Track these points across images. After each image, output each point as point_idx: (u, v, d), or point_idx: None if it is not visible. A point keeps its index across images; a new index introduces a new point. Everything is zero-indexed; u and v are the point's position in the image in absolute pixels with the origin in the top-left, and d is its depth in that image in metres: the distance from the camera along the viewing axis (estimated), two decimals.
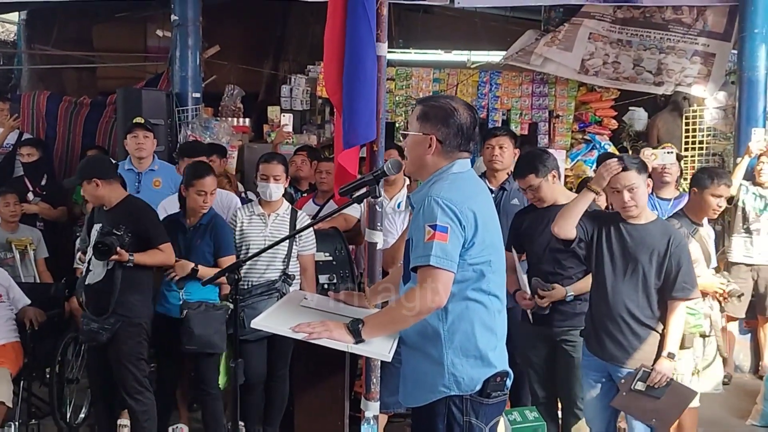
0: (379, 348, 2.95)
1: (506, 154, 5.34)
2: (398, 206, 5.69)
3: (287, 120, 7.81)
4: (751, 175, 6.91)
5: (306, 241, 5.27)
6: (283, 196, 5.39)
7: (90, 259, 4.85)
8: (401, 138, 2.95)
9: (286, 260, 5.19)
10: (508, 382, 3.10)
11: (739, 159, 7.19)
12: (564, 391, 4.81)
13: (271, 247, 4.31)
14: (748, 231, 6.79)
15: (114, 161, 5.93)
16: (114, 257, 4.65)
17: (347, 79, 3.88)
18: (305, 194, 6.71)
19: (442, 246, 2.86)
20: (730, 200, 6.83)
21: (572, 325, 4.65)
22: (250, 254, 5.05)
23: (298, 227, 5.25)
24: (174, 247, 4.98)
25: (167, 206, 5.62)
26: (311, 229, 5.35)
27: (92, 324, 4.81)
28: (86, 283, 4.86)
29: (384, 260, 4.35)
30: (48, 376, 5.52)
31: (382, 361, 3.68)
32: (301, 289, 5.20)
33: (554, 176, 4.72)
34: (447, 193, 2.93)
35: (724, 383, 5.85)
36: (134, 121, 6.43)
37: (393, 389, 4.32)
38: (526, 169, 4.71)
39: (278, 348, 5.16)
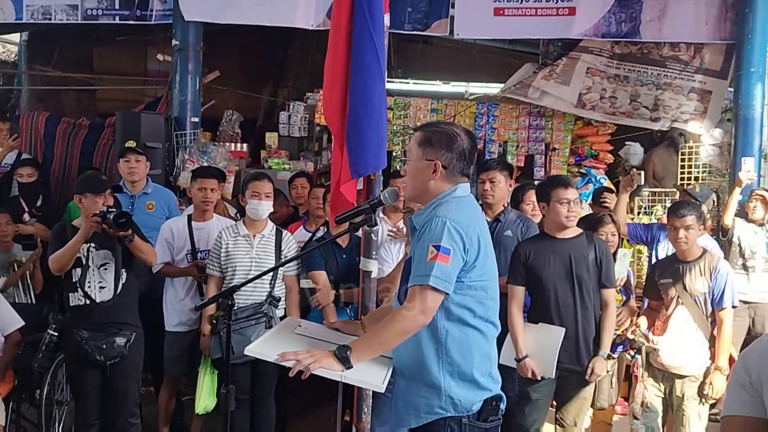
0: (372, 378, 2.94)
1: (497, 188, 5.33)
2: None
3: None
4: (744, 212, 6.91)
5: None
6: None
7: (85, 277, 4.84)
8: (402, 165, 2.96)
9: (272, 282, 5.19)
10: (502, 406, 3.13)
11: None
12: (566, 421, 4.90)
13: (266, 273, 4.32)
14: (744, 267, 6.77)
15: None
16: (128, 232, 4.76)
17: (354, 109, 3.88)
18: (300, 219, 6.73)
19: (442, 267, 2.88)
20: (725, 234, 6.85)
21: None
22: (236, 276, 5.11)
23: (283, 248, 5.28)
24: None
25: (173, 225, 5.70)
26: (296, 248, 5.41)
27: (114, 339, 4.86)
28: (98, 300, 4.85)
29: (379, 289, 4.36)
30: (37, 397, 5.48)
31: (373, 390, 3.67)
32: (285, 309, 5.26)
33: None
34: (454, 214, 2.97)
35: (714, 420, 5.82)
36: (126, 144, 6.44)
37: (384, 418, 4.31)
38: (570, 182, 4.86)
39: (261, 374, 5.12)
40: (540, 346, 4.64)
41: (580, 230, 4.87)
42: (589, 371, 4.71)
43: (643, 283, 5.52)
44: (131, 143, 6.46)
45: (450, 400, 3.01)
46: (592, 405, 4.91)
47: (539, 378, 4.66)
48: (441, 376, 3.00)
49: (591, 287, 4.73)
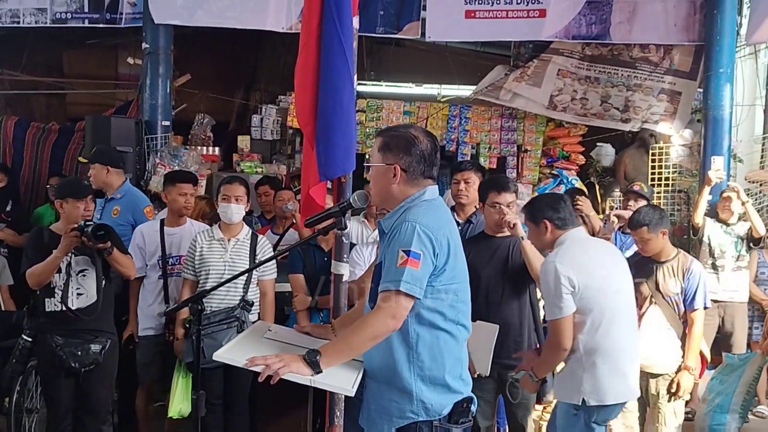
0: (342, 382, 2.93)
1: (472, 189, 5.34)
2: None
3: None
4: (714, 212, 6.97)
5: (266, 265, 5.25)
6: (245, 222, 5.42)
7: (65, 283, 4.81)
8: (366, 170, 3.00)
9: (246, 286, 5.17)
10: (473, 408, 3.14)
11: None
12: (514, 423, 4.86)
13: (237, 276, 4.31)
14: (714, 267, 6.81)
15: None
16: (107, 244, 4.72)
17: (323, 112, 3.88)
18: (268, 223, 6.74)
19: (412, 272, 2.88)
20: (696, 233, 6.90)
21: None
22: (210, 280, 5.10)
23: (258, 252, 5.25)
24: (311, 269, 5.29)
25: (144, 230, 5.65)
26: (271, 253, 5.37)
27: (89, 346, 4.83)
28: (75, 307, 4.81)
29: (350, 292, 4.35)
30: (6, 405, 5.42)
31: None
32: (259, 314, 5.23)
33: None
34: (424, 218, 2.97)
35: (687, 419, 5.86)
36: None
37: (357, 421, 4.31)
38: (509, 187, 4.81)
39: (235, 379, 5.09)
40: (475, 343, 4.62)
41: None
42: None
43: None
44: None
45: (422, 405, 3.01)
46: (539, 401, 4.89)
47: (475, 375, 4.64)
48: (412, 381, 3.00)
49: (528, 284, 4.73)
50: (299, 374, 2.86)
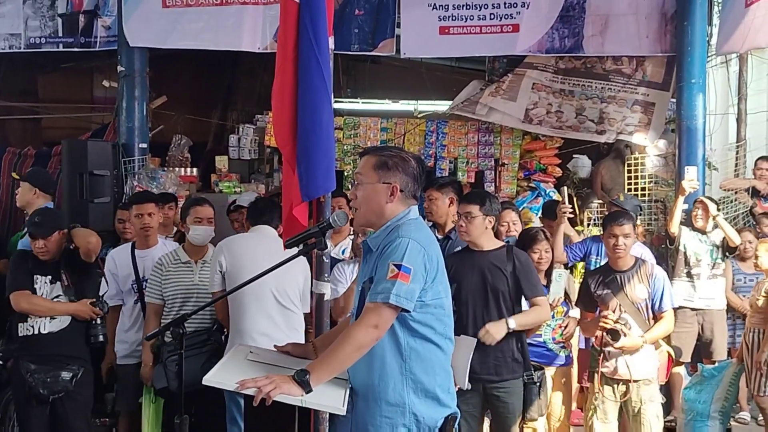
0: (332, 401, 2.95)
1: (434, 206, 5.35)
2: (342, 252, 5.71)
3: None
4: (690, 221, 7.04)
5: None
6: None
7: None
8: (351, 187, 3.01)
9: None
10: (457, 424, 3.18)
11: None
12: None
13: (216, 300, 4.29)
14: (689, 275, 6.88)
15: None
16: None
17: (303, 132, 3.89)
18: None
19: (402, 286, 2.94)
20: (672, 242, 6.97)
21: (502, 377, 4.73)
22: (177, 303, 5.08)
23: None
24: None
25: (116, 255, 5.61)
26: None
27: (59, 373, 4.78)
28: (47, 331, 4.79)
29: (333, 310, 4.36)
30: None
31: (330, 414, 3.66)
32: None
33: (491, 221, 4.78)
34: (416, 235, 3.04)
35: (670, 428, 5.91)
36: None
37: None
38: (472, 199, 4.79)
39: (209, 401, 5.03)
40: (454, 357, 4.63)
41: (501, 243, 4.90)
42: (482, 331, 4.58)
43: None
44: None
45: (413, 417, 3.04)
46: (523, 417, 4.89)
47: (456, 388, 4.63)
48: (405, 394, 3.04)
49: (510, 299, 4.71)
50: (290, 395, 2.87)
